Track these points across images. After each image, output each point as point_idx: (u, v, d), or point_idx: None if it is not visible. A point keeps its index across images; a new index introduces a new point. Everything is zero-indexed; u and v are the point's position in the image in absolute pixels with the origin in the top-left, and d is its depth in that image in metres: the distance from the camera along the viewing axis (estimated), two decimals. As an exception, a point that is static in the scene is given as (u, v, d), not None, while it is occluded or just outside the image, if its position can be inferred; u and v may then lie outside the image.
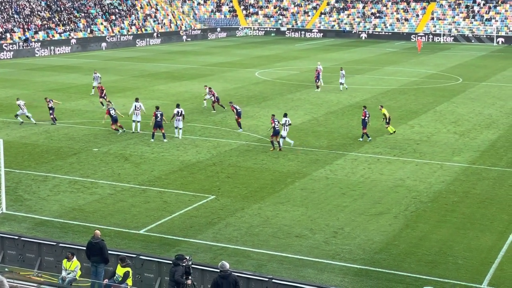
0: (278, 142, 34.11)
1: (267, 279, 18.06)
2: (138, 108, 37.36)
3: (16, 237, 20.77)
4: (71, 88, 50.85)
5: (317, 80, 53.87)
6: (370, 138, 36.40)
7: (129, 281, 18.28)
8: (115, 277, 18.34)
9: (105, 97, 43.85)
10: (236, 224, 23.73)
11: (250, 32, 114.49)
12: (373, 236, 22.57)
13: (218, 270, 16.36)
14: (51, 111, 39.48)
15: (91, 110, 43.87)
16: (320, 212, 25.00)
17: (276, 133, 33.82)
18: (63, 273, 18.39)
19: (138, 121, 37.46)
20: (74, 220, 23.86)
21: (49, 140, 35.47)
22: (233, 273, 16.55)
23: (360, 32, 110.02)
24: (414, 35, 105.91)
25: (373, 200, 26.47)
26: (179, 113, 35.92)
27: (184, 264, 16.85)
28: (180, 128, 36.33)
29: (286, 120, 34.35)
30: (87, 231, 22.28)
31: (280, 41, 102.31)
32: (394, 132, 37.49)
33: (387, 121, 37.32)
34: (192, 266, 17.18)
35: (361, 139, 36.43)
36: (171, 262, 18.09)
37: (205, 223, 23.82)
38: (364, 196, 27.06)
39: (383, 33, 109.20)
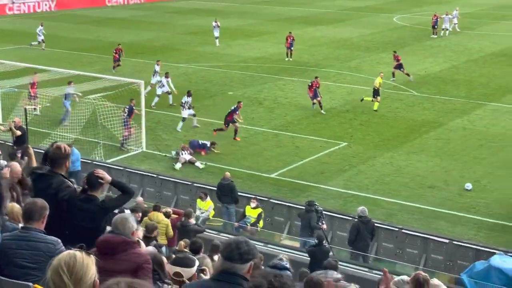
0: None
1: (397, 229, 17.95)
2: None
3: (155, 175, 21.75)
4: (210, 32, 51.60)
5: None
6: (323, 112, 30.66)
7: (260, 223, 18.73)
8: (245, 219, 18.84)
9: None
10: (368, 172, 23.55)
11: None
12: (512, 191, 21.70)
13: (357, 216, 16.73)
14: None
15: (228, 53, 44.51)
16: (455, 164, 24.30)
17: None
18: (197, 212, 19.09)
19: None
20: (209, 161, 24.57)
21: (187, 82, 36.26)
22: (372, 220, 16.88)
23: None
24: None
25: (514, 154, 25.37)
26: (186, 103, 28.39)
27: (318, 209, 17.16)
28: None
29: None
30: (220, 173, 22.87)
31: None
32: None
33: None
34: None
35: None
36: (301, 207, 18.35)
37: (336, 169, 23.80)
38: (505, 149, 25.96)
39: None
